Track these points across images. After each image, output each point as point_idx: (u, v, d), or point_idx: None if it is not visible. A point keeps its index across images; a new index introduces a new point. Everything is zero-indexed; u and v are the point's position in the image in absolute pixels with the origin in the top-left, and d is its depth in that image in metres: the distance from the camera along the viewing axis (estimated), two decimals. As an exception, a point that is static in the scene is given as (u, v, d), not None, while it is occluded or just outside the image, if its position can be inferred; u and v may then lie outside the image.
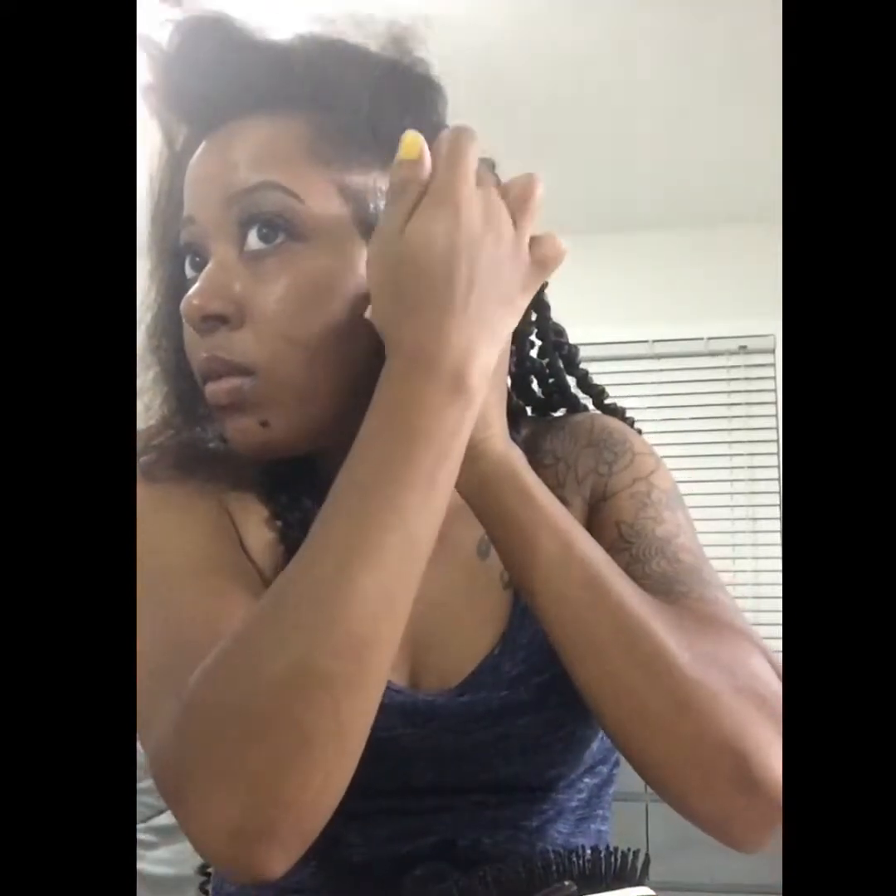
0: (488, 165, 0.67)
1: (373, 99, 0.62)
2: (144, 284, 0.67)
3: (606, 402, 0.77)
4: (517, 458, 0.59)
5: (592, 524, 0.68)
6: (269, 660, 0.49)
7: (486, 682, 0.64)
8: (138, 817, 2.39)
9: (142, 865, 2.37)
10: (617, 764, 0.71)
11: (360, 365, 0.60)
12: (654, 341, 3.36)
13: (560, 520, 0.58)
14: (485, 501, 0.58)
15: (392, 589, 0.50)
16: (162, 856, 2.50)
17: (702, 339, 3.34)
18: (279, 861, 0.49)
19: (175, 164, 0.66)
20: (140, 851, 2.38)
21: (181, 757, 0.50)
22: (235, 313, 0.59)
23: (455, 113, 0.73)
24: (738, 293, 3.21)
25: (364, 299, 0.58)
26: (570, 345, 0.77)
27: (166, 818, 2.57)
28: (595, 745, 0.67)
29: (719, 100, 2.60)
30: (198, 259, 0.63)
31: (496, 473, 0.58)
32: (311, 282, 0.59)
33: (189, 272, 0.64)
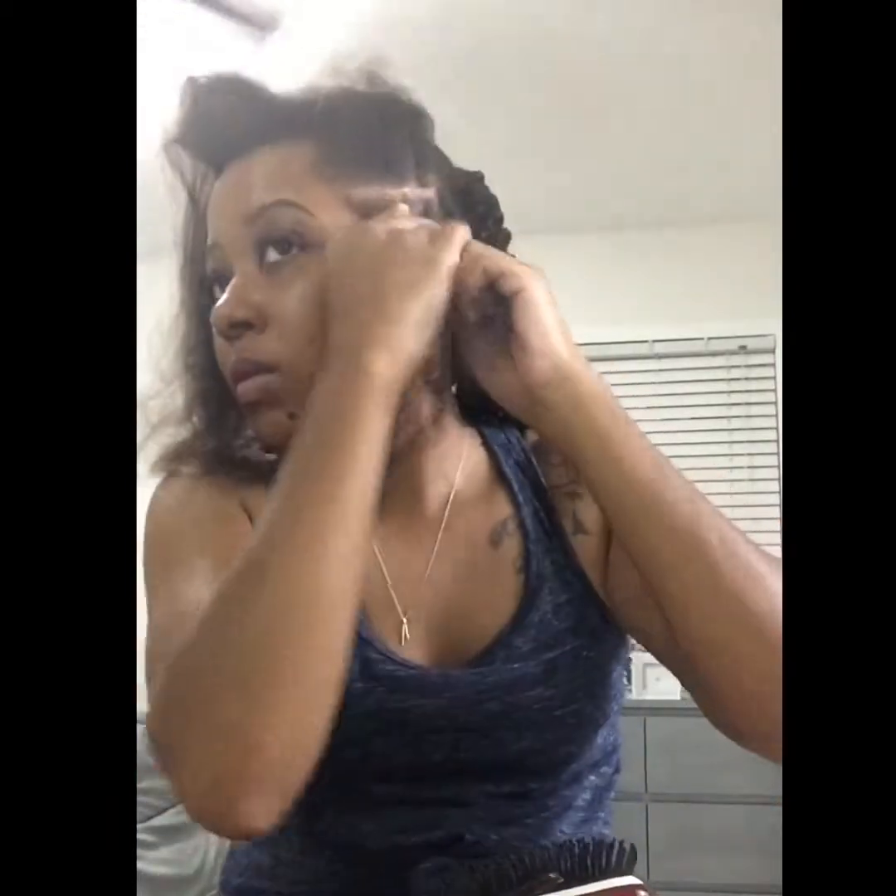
0: (476, 177, 0.74)
1: (370, 129, 0.68)
2: (181, 328, 0.73)
3: None
4: (606, 385, 0.63)
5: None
6: (241, 618, 0.52)
7: (498, 656, 0.68)
8: (138, 817, 2.39)
9: (142, 865, 2.37)
10: (618, 770, 0.74)
11: None
12: (654, 341, 3.36)
13: (640, 435, 0.62)
14: (575, 411, 0.61)
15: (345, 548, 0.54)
16: (162, 856, 2.51)
17: (702, 339, 3.34)
18: (261, 813, 0.51)
19: (198, 218, 0.72)
20: (140, 851, 2.38)
21: (166, 717, 0.53)
22: (258, 318, 0.65)
23: (456, 114, 0.74)
24: (738, 293, 3.21)
25: None
26: None
27: (166, 818, 2.57)
28: (600, 739, 0.70)
29: (719, 100, 2.60)
30: (224, 281, 0.68)
31: (584, 389, 0.61)
32: (323, 284, 0.64)
33: (219, 295, 0.69)
